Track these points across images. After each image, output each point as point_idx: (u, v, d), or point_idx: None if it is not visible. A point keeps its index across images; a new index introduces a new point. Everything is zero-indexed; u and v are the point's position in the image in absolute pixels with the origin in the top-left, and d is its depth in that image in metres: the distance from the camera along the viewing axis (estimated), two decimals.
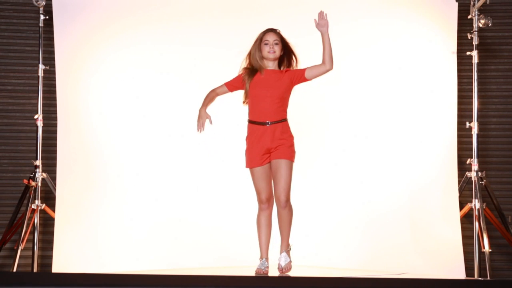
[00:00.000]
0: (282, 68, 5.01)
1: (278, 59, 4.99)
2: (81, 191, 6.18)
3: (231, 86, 5.06)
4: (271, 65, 4.98)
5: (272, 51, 4.93)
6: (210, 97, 5.08)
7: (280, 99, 4.94)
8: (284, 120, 4.97)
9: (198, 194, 6.23)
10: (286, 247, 4.98)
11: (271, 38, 4.95)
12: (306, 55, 6.25)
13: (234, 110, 6.25)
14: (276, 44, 4.94)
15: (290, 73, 4.98)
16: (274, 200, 4.96)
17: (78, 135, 6.23)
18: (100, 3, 6.32)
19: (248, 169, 5.01)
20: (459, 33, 6.34)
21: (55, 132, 6.29)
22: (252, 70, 4.98)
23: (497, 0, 6.64)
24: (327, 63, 4.93)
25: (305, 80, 4.99)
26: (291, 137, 4.97)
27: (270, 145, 4.91)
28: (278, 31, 5.01)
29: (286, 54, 5.02)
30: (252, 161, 4.94)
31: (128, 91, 6.29)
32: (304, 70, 4.99)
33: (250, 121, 5.00)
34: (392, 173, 6.25)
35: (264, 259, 4.92)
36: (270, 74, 4.96)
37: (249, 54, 5.01)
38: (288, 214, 4.95)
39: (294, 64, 5.03)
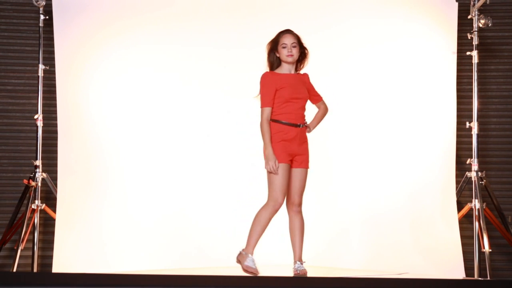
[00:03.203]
0: (298, 70, 5.02)
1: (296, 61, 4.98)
2: (81, 191, 6.18)
3: (272, 101, 4.88)
4: (291, 68, 4.96)
5: (290, 54, 4.88)
6: (268, 131, 4.87)
7: (306, 103, 4.98)
8: (306, 124, 5.02)
9: (199, 194, 6.23)
10: (300, 257, 4.94)
11: (288, 40, 4.90)
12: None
13: (233, 111, 6.26)
14: (294, 46, 4.89)
15: (308, 86, 5.05)
16: (286, 202, 4.94)
17: (78, 134, 6.23)
18: (100, 4, 6.32)
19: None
20: (459, 33, 6.34)
21: (55, 132, 6.30)
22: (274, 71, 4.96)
23: (497, 0, 6.64)
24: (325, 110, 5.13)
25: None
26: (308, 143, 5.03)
27: (297, 150, 4.91)
28: (293, 32, 4.95)
29: (301, 54, 4.99)
30: (282, 157, 4.84)
31: (128, 90, 6.29)
32: (318, 98, 5.12)
33: (280, 122, 4.88)
34: (392, 174, 6.25)
35: (251, 256, 4.86)
36: (295, 77, 4.96)
37: (268, 58, 4.97)
38: (302, 222, 4.96)
39: (305, 63, 5.03)
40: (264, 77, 4.92)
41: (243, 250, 4.90)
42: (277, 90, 4.87)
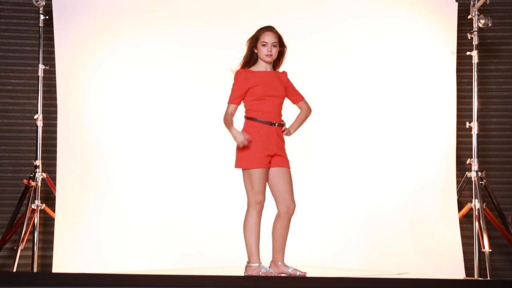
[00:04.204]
0: (275, 68, 4.90)
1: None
2: (81, 191, 6.18)
3: (239, 99, 4.79)
4: (268, 66, 4.84)
5: (269, 54, 4.76)
6: (230, 121, 4.77)
7: (282, 102, 4.85)
8: (283, 124, 4.89)
9: (199, 194, 6.23)
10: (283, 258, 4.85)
11: (269, 39, 4.77)
12: (304, 54, 6.29)
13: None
14: (274, 46, 4.77)
15: (287, 84, 4.90)
16: (280, 209, 4.79)
17: (78, 135, 6.23)
18: (100, 3, 6.32)
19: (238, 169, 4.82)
20: (459, 33, 6.34)
21: (55, 132, 6.30)
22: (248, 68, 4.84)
23: (497, 0, 6.64)
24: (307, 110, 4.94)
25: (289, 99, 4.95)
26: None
27: (275, 149, 4.76)
28: (275, 30, 4.83)
29: (279, 53, 4.86)
30: (258, 162, 4.71)
31: (128, 91, 6.29)
32: (299, 97, 4.94)
33: (254, 119, 4.77)
34: (392, 174, 6.25)
35: (261, 264, 4.72)
36: (271, 74, 4.84)
37: (247, 55, 4.85)
38: (289, 224, 4.84)
39: (282, 61, 4.92)
40: (237, 74, 4.81)
41: (249, 262, 4.74)
42: (249, 88, 4.75)
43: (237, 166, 4.81)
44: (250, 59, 4.84)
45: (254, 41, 4.81)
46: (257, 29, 4.86)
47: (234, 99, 4.80)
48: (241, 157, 4.75)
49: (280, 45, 4.84)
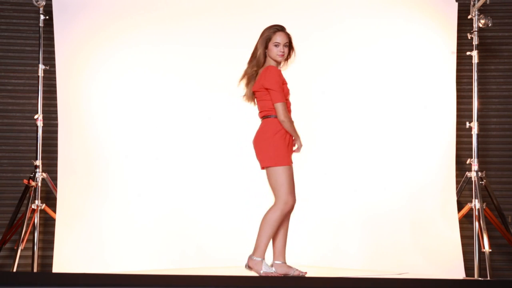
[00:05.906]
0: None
1: None
2: (82, 191, 6.18)
3: (283, 96, 4.75)
4: (277, 65, 4.84)
5: (282, 53, 4.76)
6: (292, 120, 4.76)
7: None
8: None
9: (199, 194, 6.23)
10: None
11: (282, 39, 4.77)
12: (304, 54, 6.28)
13: (236, 109, 6.26)
14: (286, 46, 4.77)
15: None
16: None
17: (78, 134, 6.23)
18: (100, 3, 6.32)
19: (265, 169, 4.78)
20: (459, 33, 6.34)
21: (55, 132, 6.30)
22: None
23: (497, 0, 6.64)
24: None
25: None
26: None
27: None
28: (286, 30, 4.83)
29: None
30: (289, 159, 4.73)
31: (128, 90, 6.29)
32: None
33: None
34: (392, 174, 6.25)
35: (265, 261, 4.71)
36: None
37: (257, 54, 4.80)
38: None
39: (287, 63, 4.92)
40: (276, 71, 4.74)
41: (253, 255, 4.72)
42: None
43: (267, 165, 4.73)
44: (260, 59, 4.80)
45: (266, 41, 4.78)
46: (267, 28, 4.83)
47: (282, 97, 4.73)
48: (271, 155, 4.70)
49: (290, 45, 4.84)
